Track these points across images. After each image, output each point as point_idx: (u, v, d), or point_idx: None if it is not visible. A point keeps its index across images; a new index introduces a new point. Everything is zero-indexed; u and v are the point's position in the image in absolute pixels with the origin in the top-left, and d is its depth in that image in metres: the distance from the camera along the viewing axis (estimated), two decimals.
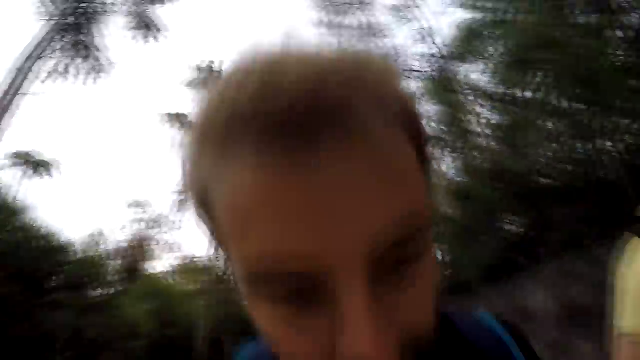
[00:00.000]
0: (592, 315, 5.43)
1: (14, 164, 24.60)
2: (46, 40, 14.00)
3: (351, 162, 0.28)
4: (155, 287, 19.28)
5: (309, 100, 0.27)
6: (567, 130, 8.90)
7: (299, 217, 0.28)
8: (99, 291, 9.79)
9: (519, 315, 6.37)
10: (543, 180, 9.08)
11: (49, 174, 24.24)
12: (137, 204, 30.87)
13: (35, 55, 13.46)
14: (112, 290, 10.35)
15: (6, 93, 12.09)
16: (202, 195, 0.34)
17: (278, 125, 0.28)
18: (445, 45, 18.36)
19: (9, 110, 11.89)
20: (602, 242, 5.75)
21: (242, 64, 0.32)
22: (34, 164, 24.12)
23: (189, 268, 32.50)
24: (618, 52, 9.47)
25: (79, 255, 10.53)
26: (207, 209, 0.34)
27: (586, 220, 7.52)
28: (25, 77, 12.84)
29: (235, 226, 0.31)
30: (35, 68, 13.66)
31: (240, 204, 0.29)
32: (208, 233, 0.38)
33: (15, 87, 12.37)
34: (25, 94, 12.94)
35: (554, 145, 9.03)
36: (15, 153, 24.30)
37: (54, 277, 8.66)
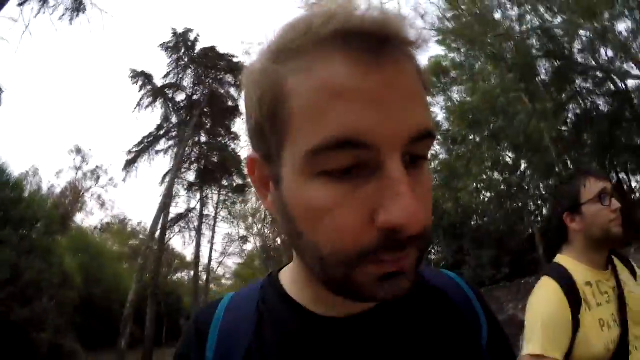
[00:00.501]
0: None
1: None
2: None
3: (409, 71, 0.42)
4: (85, 242, 19.09)
5: (387, 31, 0.40)
6: (501, 182, 10.05)
7: (374, 101, 0.39)
8: (35, 233, 9.86)
9: None
10: (471, 222, 10.21)
11: None
12: (78, 152, 29.97)
13: None
14: (48, 235, 10.39)
15: None
16: (275, 92, 0.43)
17: (365, 41, 0.39)
18: None
19: None
20: (503, 284, 6.93)
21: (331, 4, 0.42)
22: None
23: (118, 229, 31.99)
24: (565, 129, 10.80)
25: (23, 194, 10.59)
26: (276, 106, 0.43)
27: (495, 263, 8.81)
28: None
29: (319, 104, 0.40)
30: None
31: (331, 87, 0.39)
32: (262, 136, 0.46)
33: None
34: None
35: (488, 192, 10.22)
36: None
37: None
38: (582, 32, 11.66)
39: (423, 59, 0.46)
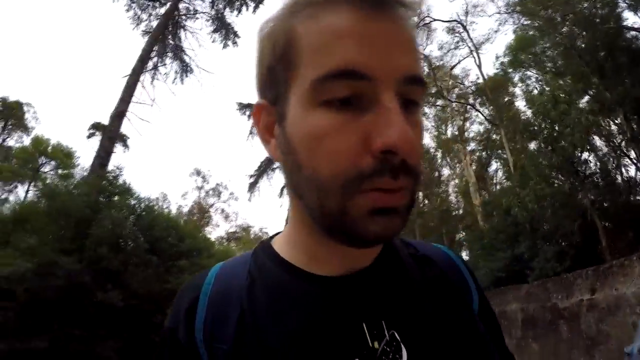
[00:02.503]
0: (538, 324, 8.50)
1: (91, 135, 27.33)
2: (148, 47, 16.52)
3: (404, 27, 0.50)
4: (221, 253, 22.84)
5: None
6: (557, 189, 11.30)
7: (372, 43, 0.47)
8: (199, 260, 13.35)
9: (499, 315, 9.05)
10: (535, 224, 11.67)
11: (125, 146, 24.93)
12: (198, 173, 35.04)
13: (143, 62, 16.08)
14: (208, 259, 13.80)
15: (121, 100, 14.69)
16: (287, 36, 0.52)
17: None
18: (498, 57, 19.68)
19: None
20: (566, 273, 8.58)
21: None
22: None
23: (242, 237, 36.20)
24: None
25: (183, 227, 14.37)
26: (288, 47, 0.52)
27: (559, 258, 10.44)
28: (136, 84, 15.43)
29: (326, 42, 0.48)
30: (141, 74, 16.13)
31: (336, 29, 0.48)
32: (272, 74, 0.55)
33: (128, 93, 14.95)
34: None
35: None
36: (94, 124, 26.96)
37: (175, 248, 12.55)
38: None
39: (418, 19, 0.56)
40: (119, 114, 14.46)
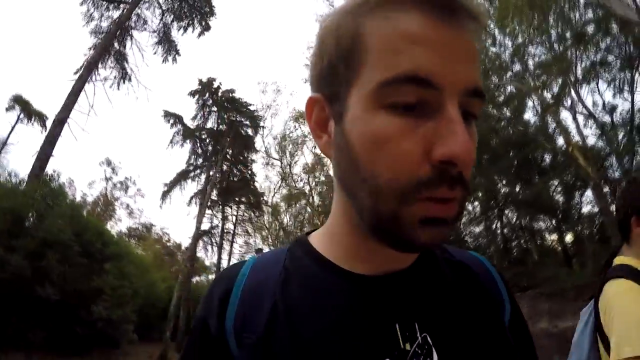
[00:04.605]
0: None
1: (10, 108, 25.68)
2: (96, 56, 17.97)
3: (471, 40, 0.50)
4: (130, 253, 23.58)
5: (458, 2, 0.49)
6: None
7: (442, 51, 0.47)
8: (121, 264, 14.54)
9: None
10: None
11: (43, 125, 24.77)
12: (109, 163, 34.62)
13: (90, 69, 17.42)
14: (127, 264, 15.04)
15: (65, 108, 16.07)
16: (354, 35, 0.51)
17: (438, 5, 0.48)
18: None
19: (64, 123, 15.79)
20: None
21: None
22: (30, 112, 25.60)
23: (143, 235, 36.09)
24: None
25: (112, 238, 15.80)
26: (354, 46, 0.51)
27: None
28: (82, 87, 16.79)
29: (396, 45, 0.48)
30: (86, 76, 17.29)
31: (406, 33, 0.48)
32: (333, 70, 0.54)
33: (72, 100, 16.31)
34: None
35: None
36: (15, 96, 25.45)
37: (101, 253, 14.03)
38: None
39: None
40: (61, 120, 15.97)
